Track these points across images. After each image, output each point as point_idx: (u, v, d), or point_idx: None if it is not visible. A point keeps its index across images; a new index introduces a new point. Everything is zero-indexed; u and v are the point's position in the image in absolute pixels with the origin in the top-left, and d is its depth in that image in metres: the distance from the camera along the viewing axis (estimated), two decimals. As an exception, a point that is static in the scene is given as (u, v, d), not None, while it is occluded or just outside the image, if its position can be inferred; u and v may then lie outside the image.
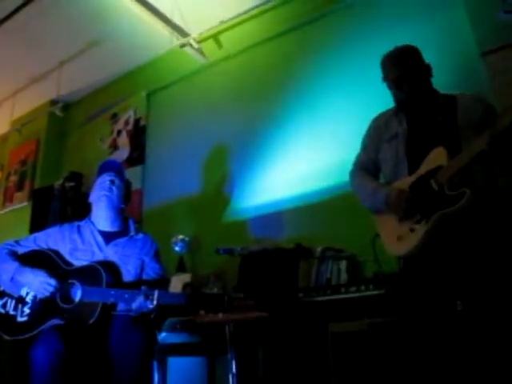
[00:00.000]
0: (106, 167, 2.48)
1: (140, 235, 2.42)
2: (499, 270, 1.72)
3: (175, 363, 2.69)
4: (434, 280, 1.84)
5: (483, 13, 3.01)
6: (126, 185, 2.49)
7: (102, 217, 2.36)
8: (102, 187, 2.36)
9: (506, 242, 1.77)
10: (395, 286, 2.40)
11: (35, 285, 2.05)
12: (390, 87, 2.12)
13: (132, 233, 2.40)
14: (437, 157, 1.86)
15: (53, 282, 2.05)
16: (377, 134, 2.19)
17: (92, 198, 2.42)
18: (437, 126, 1.96)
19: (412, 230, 1.87)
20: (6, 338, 2.05)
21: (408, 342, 1.87)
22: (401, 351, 1.93)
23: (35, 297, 2.09)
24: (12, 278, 2.10)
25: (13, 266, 2.12)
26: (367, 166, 2.23)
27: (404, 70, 2.01)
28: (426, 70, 2.08)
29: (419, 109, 2.03)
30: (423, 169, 1.91)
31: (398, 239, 1.93)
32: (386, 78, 2.11)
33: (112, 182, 2.37)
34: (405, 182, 1.97)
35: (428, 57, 3.18)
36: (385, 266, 2.54)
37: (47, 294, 2.04)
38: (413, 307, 1.89)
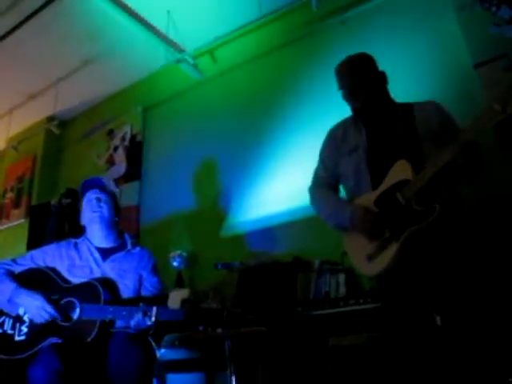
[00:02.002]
0: (87, 186, 2.44)
1: (137, 249, 2.41)
2: (472, 281, 1.70)
3: (174, 380, 2.66)
4: (409, 296, 1.80)
5: (475, 26, 3.06)
6: (113, 197, 2.46)
7: (98, 235, 2.36)
8: (90, 207, 2.35)
9: (474, 251, 1.77)
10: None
11: (32, 309, 2.04)
12: (345, 97, 2.07)
13: (129, 247, 2.38)
14: (400, 170, 1.82)
15: (49, 308, 2.03)
16: (335, 146, 2.14)
17: (84, 221, 2.40)
18: (397, 138, 1.92)
19: (382, 249, 1.81)
20: (4, 357, 2.03)
21: (398, 357, 1.84)
22: (397, 365, 1.90)
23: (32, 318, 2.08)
24: (9, 300, 2.09)
25: (10, 287, 2.11)
26: (327, 180, 2.16)
27: (358, 77, 1.98)
28: (381, 77, 2.04)
29: (377, 118, 2.00)
30: (387, 183, 1.86)
31: (367, 258, 1.86)
32: (341, 87, 2.06)
33: (98, 199, 2.35)
34: (369, 197, 1.92)
35: (421, 69, 3.25)
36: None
37: (42, 320, 2.03)
38: (393, 323, 1.87)
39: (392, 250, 1.78)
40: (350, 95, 2.02)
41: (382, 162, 1.91)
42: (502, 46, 2.91)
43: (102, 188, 2.42)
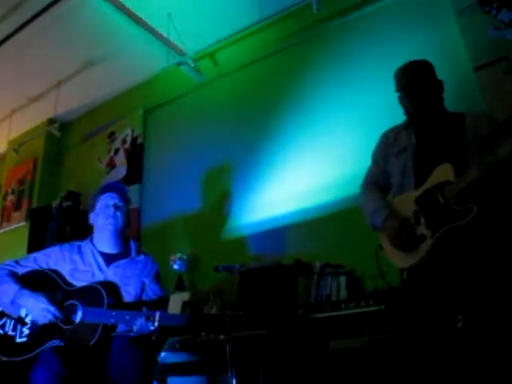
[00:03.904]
0: (108, 187, 2.45)
1: (141, 256, 2.40)
2: (502, 285, 1.73)
3: (175, 383, 2.66)
4: (437, 294, 1.85)
5: (475, 29, 3.06)
6: (128, 206, 2.45)
7: (105, 242, 2.34)
8: (107, 214, 2.32)
9: (507, 255, 1.79)
10: (398, 300, 2.39)
11: (35, 310, 2.04)
12: (401, 99, 2.14)
13: (133, 254, 2.38)
14: (443, 172, 1.89)
15: (52, 309, 2.03)
16: (386, 147, 2.22)
17: (95, 222, 2.37)
18: (445, 141, 1.99)
19: (417, 245, 1.89)
20: (4, 359, 2.02)
21: (410, 358, 1.87)
22: (403, 367, 1.92)
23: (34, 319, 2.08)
24: (12, 301, 2.09)
25: (13, 288, 2.10)
26: (377, 178, 2.25)
27: (418, 80, 2.05)
28: (439, 85, 2.11)
29: (428, 122, 2.06)
30: (429, 183, 1.94)
31: (402, 252, 1.95)
32: (399, 89, 2.14)
33: (116, 207, 2.34)
34: (409, 196, 2.00)
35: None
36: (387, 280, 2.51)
37: (46, 321, 2.02)
38: (415, 322, 1.90)
39: (427, 244, 1.86)
40: (407, 97, 2.09)
41: (427, 164, 1.98)
42: (501, 48, 2.92)
43: (123, 195, 2.42)
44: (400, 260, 1.97)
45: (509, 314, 1.69)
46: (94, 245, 2.35)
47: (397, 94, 2.16)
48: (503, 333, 1.67)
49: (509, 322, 1.68)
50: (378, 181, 2.25)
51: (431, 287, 1.88)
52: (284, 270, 3.09)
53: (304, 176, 3.60)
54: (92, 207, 2.42)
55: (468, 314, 1.76)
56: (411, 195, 1.99)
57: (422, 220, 1.91)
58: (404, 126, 2.18)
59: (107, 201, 2.35)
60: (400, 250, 1.96)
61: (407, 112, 2.15)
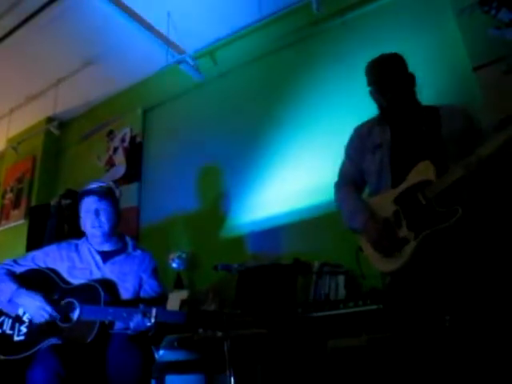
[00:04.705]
0: (85, 191, 2.35)
1: (138, 252, 2.40)
2: (486, 285, 1.71)
3: (173, 381, 2.66)
4: (422, 295, 1.81)
5: (475, 28, 3.06)
6: (112, 203, 2.35)
7: (97, 242, 2.34)
8: (90, 221, 2.28)
9: (492, 256, 1.77)
10: (385, 302, 2.38)
11: (32, 309, 2.04)
12: (373, 94, 2.10)
13: (130, 250, 2.38)
14: (423, 170, 1.84)
15: (48, 308, 2.04)
16: (360, 142, 2.16)
17: (85, 229, 2.35)
18: (421, 137, 1.94)
19: (399, 247, 1.83)
20: (2, 357, 2.03)
21: (403, 358, 1.84)
22: (400, 367, 1.90)
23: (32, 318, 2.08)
24: (10, 300, 2.09)
25: (11, 287, 2.11)
26: (353, 175, 2.18)
27: (389, 74, 2.00)
28: (410, 78, 2.06)
29: (403, 118, 2.02)
30: (409, 182, 1.88)
31: (384, 256, 1.88)
32: (370, 84, 2.09)
33: (96, 213, 2.28)
34: (388, 195, 1.94)
35: (420, 71, 3.23)
36: (373, 281, 2.51)
37: (42, 319, 2.03)
38: (402, 323, 1.86)
39: (410, 247, 1.79)
40: (379, 92, 2.05)
41: (404, 161, 1.93)
42: (501, 48, 2.91)
43: (102, 194, 2.31)
44: (382, 264, 1.90)
45: (497, 313, 1.67)
46: (90, 244, 2.36)
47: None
48: (491, 333, 1.65)
49: (497, 321, 1.66)
50: (353, 178, 2.17)
51: (416, 291, 1.83)
52: (282, 269, 3.09)
53: (303, 175, 3.60)
54: (78, 210, 2.38)
55: (455, 315, 1.73)
56: (390, 194, 1.93)
57: (403, 221, 1.85)
58: (377, 121, 2.12)
59: (88, 206, 2.30)
60: (382, 254, 1.89)
61: (380, 107, 2.10)
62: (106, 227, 2.29)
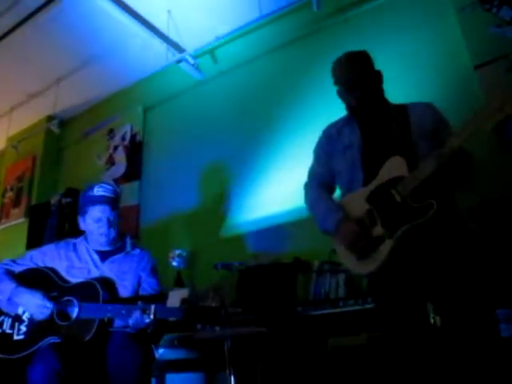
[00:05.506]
0: (96, 200, 2.29)
1: (137, 251, 2.40)
2: (465, 280, 1.69)
3: (173, 380, 2.66)
4: (402, 294, 1.78)
5: (476, 26, 3.06)
6: (119, 210, 2.37)
7: (99, 245, 2.33)
8: (99, 227, 2.27)
9: (467, 250, 1.75)
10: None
11: (32, 307, 2.04)
12: (341, 93, 2.05)
13: (128, 248, 2.37)
14: (394, 166, 1.81)
15: (49, 304, 2.04)
16: (329, 144, 2.11)
17: (88, 232, 2.34)
18: (391, 136, 1.91)
19: (374, 247, 1.78)
20: (2, 356, 2.03)
21: (393, 357, 1.81)
22: (394, 366, 1.87)
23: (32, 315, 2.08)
24: (9, 299, 2.09)
25: (10, 286, 2.11)
26: (323, 177, 2.13)
27: (356, 73, 1.95)
28: (377, 75, 2.02)
29: (372, 117, 1.98)
30: (380, 178, 1.84)
31: (358, 257, 1.83)
32: (337, 83, 2.04)
33: (109, 222, 2.27)
34: (360, 194, 1.90)
35: (421, 70, 3.25)
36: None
37: (43, 316, 2.03)
38: (390, 323, 1.83)
39: (386, 247, 1.75)
40: (347, 91, 2.00)
41: (375, 160, 1.89)
42: (502, 47, 2.91)
43: (115, 203, 2.33)
44: (358, 266, 1.84)
45: (478, 306, 1.66)
46: (88, 243, 2.35)
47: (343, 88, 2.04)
48: (474, 327, 1.63)
49: (480, 315, 1.65)
50: (324, 180, 2.12)
51: (397, 290, 1.79)
52: (283, 268, 3.09)
53: (303, 174, 3.58)
54: (80, 209, 2.35)
55: (439, 310, 1.71)
56: (362, 193, 1.89)
57: (378, 220, 1.81)
58: (346, 121, 2.09)
59: (100, 215, 2.28)
60: (357, 255, 1.83)
61: (348, 106, 2.05)
62: (113, 234, 2.31)
